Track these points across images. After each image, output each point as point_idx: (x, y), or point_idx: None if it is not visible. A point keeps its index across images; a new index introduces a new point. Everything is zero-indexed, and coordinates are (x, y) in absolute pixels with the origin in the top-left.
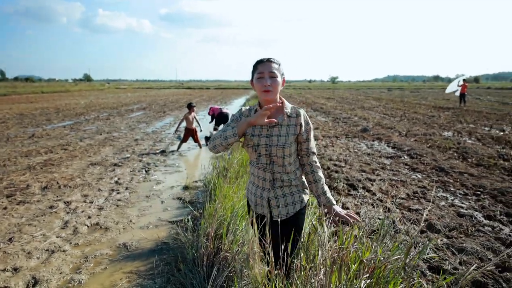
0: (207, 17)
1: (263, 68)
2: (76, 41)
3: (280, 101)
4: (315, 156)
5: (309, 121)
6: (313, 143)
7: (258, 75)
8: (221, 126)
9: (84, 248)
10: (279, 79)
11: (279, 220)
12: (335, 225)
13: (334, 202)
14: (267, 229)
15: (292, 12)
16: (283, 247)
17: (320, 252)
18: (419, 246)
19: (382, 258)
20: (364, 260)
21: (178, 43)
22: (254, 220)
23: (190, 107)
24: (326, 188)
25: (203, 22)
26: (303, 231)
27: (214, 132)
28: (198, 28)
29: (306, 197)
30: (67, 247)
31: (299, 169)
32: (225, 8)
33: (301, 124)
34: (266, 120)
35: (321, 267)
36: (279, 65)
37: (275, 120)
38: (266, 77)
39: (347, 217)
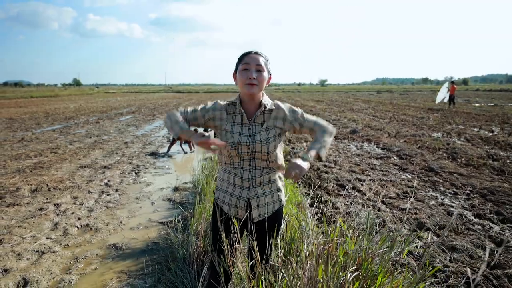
0: (196, 21)
1: (249, 60)
2: (66, 46)
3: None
4: (324, 121)
5: (296, 108)
6: (313, 118)
7: (243, 67)
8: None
9: (74, 249)
10: (266, 74)
11: (258, 220)
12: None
13: (310, 157)
14: (249, 227)
15: (280, 15)
16: (259, 247)
17: (305, 245)
18: (405, 239)
19: (369, 252)
20: (349, 252)
21: (167, 47)
22: (218, 220)
23: None
24: (319, 146)
25: (192, 26)
26: (282, 226)
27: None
28: (187, 32)
29: (283, 197)
30: (57, 248)
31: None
32: (213, 12)
33: (285, 116)
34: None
35: (308, 260)
36: (267, 60)
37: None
38: (252, 69)
39: (294, 173)
